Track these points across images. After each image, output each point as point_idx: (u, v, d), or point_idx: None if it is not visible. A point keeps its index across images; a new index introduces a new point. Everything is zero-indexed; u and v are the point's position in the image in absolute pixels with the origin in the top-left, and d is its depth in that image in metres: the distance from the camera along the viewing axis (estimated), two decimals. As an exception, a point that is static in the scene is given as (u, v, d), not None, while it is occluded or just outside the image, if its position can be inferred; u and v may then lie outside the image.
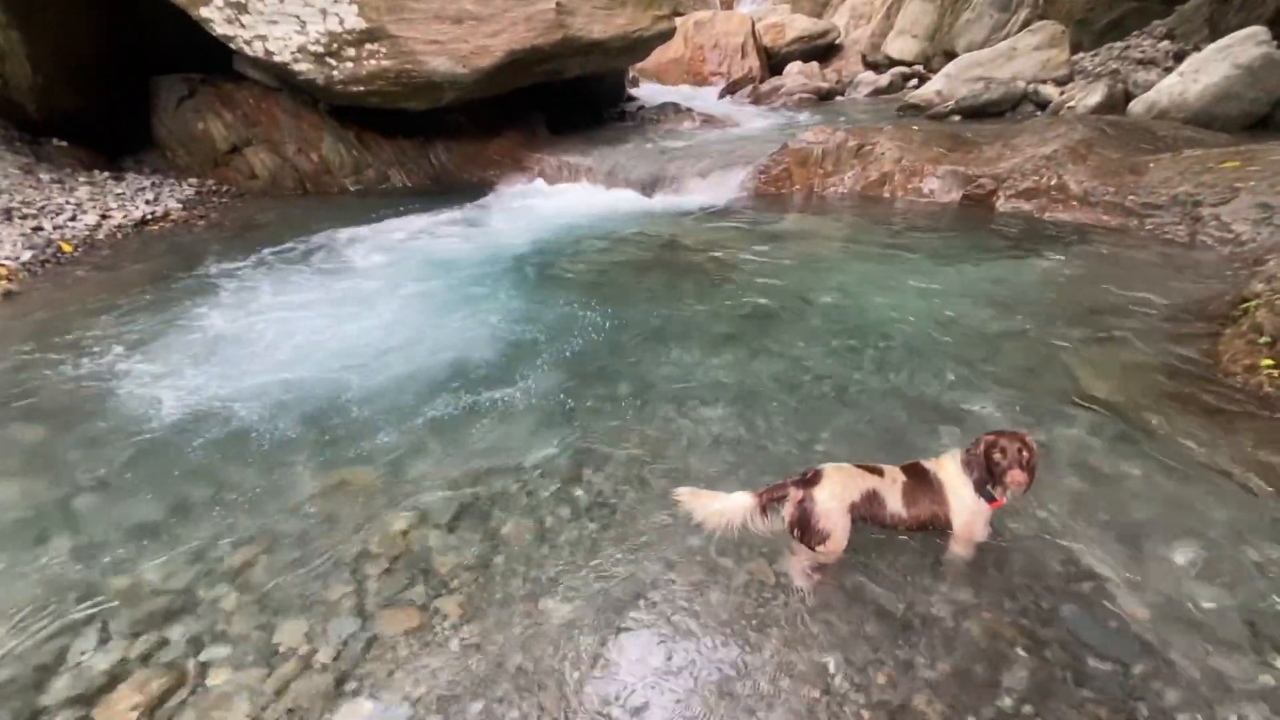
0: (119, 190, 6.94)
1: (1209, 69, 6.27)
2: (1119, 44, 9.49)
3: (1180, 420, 2.58)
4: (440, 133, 8.41)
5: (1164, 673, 1.64)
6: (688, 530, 2.20)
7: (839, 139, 6.31)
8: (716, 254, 4.99)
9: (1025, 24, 10.71)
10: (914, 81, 12.30)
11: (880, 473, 1.86)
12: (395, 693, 1.72)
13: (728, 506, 1.83)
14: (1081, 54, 9.54)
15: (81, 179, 6.92)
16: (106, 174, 7.23)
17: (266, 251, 5.60)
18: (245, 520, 2.45)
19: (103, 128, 7.71)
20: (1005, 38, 10.58)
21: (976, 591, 1.89)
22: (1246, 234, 4.19)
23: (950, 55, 12.15)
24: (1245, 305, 3.07)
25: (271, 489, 2.63)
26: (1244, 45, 6.20)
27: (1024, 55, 8.24)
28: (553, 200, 7.05)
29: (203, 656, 1.87)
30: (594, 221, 6.03)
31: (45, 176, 6.62)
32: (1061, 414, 2.72)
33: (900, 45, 13.81)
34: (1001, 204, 5.25)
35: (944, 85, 8.53)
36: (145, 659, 1.89)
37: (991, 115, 7.67)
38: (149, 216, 6.58)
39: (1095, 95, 6.82)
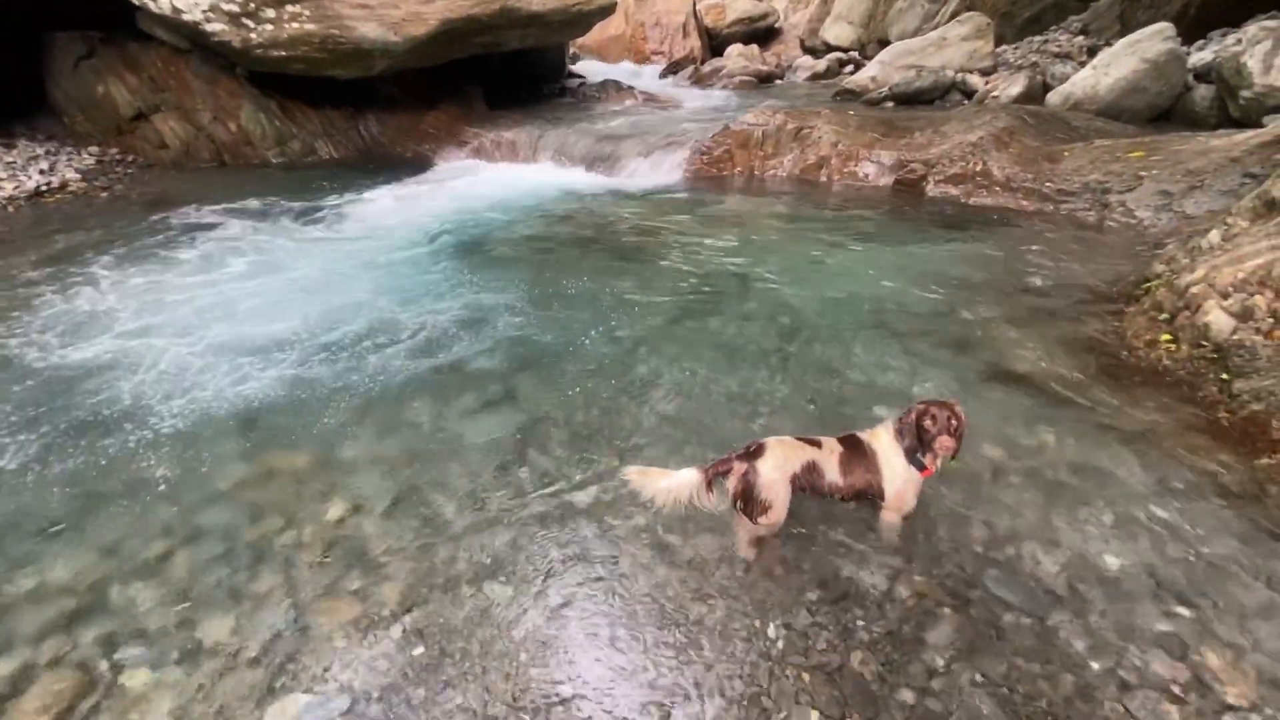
0: (9, 159, 6.32)
1: (1119, 63, 6.68)
2: (1039, 38, 9.97)
3: (1090, 391, 2.77)
4: (372, 104, 8.02)
5: (1076, 624, 1.77)
6: (633, 508, 2.21)
7: (779, 122, 6.39)
8: (657, 234, 4.98)
9: (954, 15, 11.09)
10: (850, 68, 12.58)
11: (819, 444, 1.92)
12: (332, 684, 1.66)
13: (675, 483, 1.84)
14: (1005, 46, 9.97)
15: (-40, 145, 6.24)
16: (-10, 140, 6.54)
17: (178, 227, 5.23)
18: (161, 511, 2.30)
19: (-15, 89, 6.96)
20: (935, 27, 10.94)
21: (906, 558, 1.98)
22: (1149, 219, 4.52)
23: (884, 43, 12.47)
24: (1147, 285, 3.31)
25: (189, 478, 2.48)
26: (1151, 41, 6.63)
27: (953, 45, 8.55)
28: (489, 176, 6.85)
29: (117, 657, 1.75)
30: (533, 200, 5.91)
31: (-85, 141, 5.93)
32: (984, 387, 2.87)
33: (837, 31, 14.08)
34: (931, 188, 5.45)
35: (878, 72, 8.75)
36: (53, 663, 1.75)
37: (923, 102, 7.94)
38: (44, 188, 6.02)
39: (1016, 86, 7.16)
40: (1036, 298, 3.69)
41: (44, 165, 6.29)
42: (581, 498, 2.30)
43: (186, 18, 6.12)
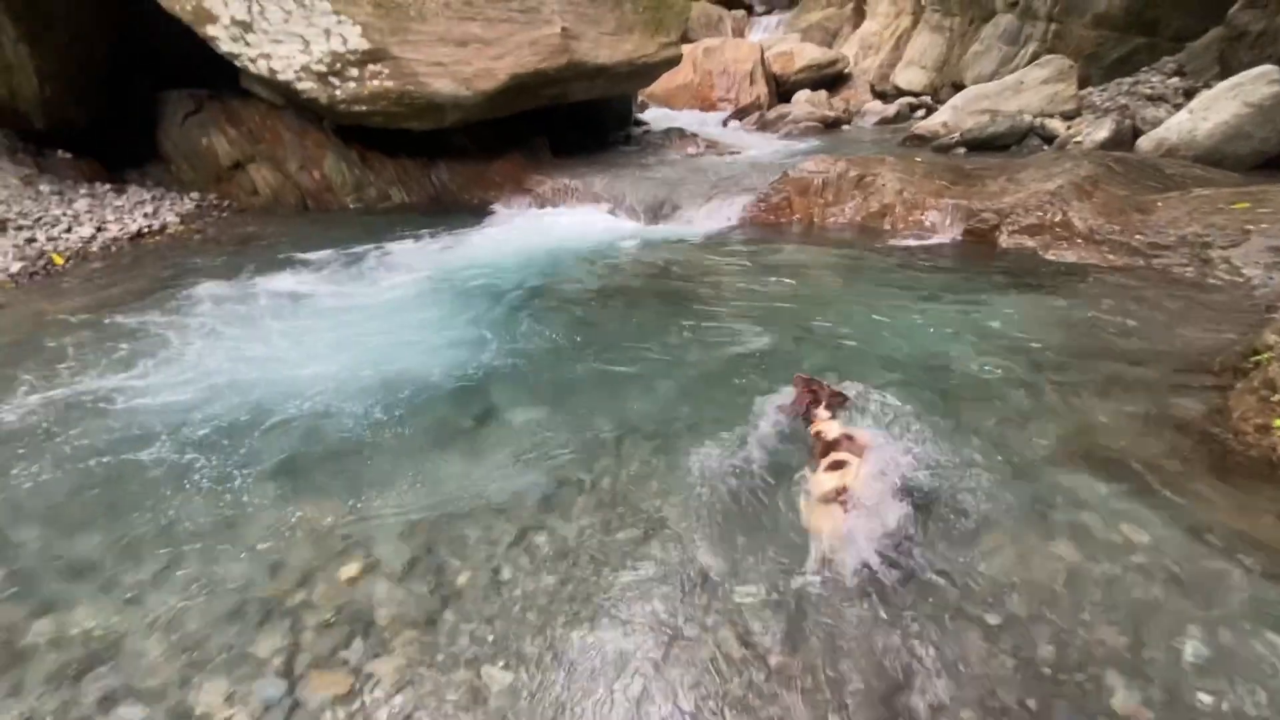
0: (118, 203, 6.95)
1: (1219, 107, 6.17)
2: (1128, 79, 9.42)
3: (1187, 483, 2.41)
4: (443, 153, 8.40)
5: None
6: (651, 592, 2.05)
7: (840, 169, 6.23)
8: (711, 283, 4.88)
9: (1034, 58, 10.68)
10: (921, 112, 12.28)
11: None
12: (313, 771, 1.58)
13: None
14: (1090, 89, 9.47)
15: (82, 191, 6.93)
16: (108, 186, 7.24)
17: (256, 268, 5.54)
18: (191, 559, 2.32)
19: (108, 140, 7.75)
20: (1013, 71, 10.55)
21: (959, 682, 1.72)
22: (1258, 278, 4.04)
23: (958, 87, 12.13)
24: (1257, 357, 2.91)
25: (226, 523, 2.51)
26: (1255, 84, 6.10)
27: (1031, 89, 8.17)
28: (550, 222, 6.98)
29: (112, 717, 1.73)
30: (590, 246, 5.95)
31: (45, 188, 6.63)
32: (1058, 469, 2.56)
33: (909, 76, 13.84)
34: (1004, 240, 5.12)
35: (950, 117, 8.47)
36: (56, 714, 1.76)
37: (997, 148, 7.58)
38: (145, 230, 6.56)
39: (1103, 130, 6.73)
40: (1124, 365, 3.32)
41: (148, 209, 6.89)
42: (599, 573, 2.17)
43: (281, 78, 6.63)
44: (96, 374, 3.65)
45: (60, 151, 7.41)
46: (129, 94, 7.77)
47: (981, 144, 7.60)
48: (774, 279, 4.82)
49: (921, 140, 8.57)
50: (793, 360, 3.57)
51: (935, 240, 5.43)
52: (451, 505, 2.54)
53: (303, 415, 3.20)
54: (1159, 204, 4.79)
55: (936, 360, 3.49)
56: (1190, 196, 4.78)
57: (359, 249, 6.00)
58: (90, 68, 7.20)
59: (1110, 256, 4.65)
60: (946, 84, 13.07)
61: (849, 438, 2.45)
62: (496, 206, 7.85)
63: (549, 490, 2.60)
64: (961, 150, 7.76)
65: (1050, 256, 4.85)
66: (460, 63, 6.93)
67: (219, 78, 7.44)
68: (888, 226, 5.79)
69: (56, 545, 2.41)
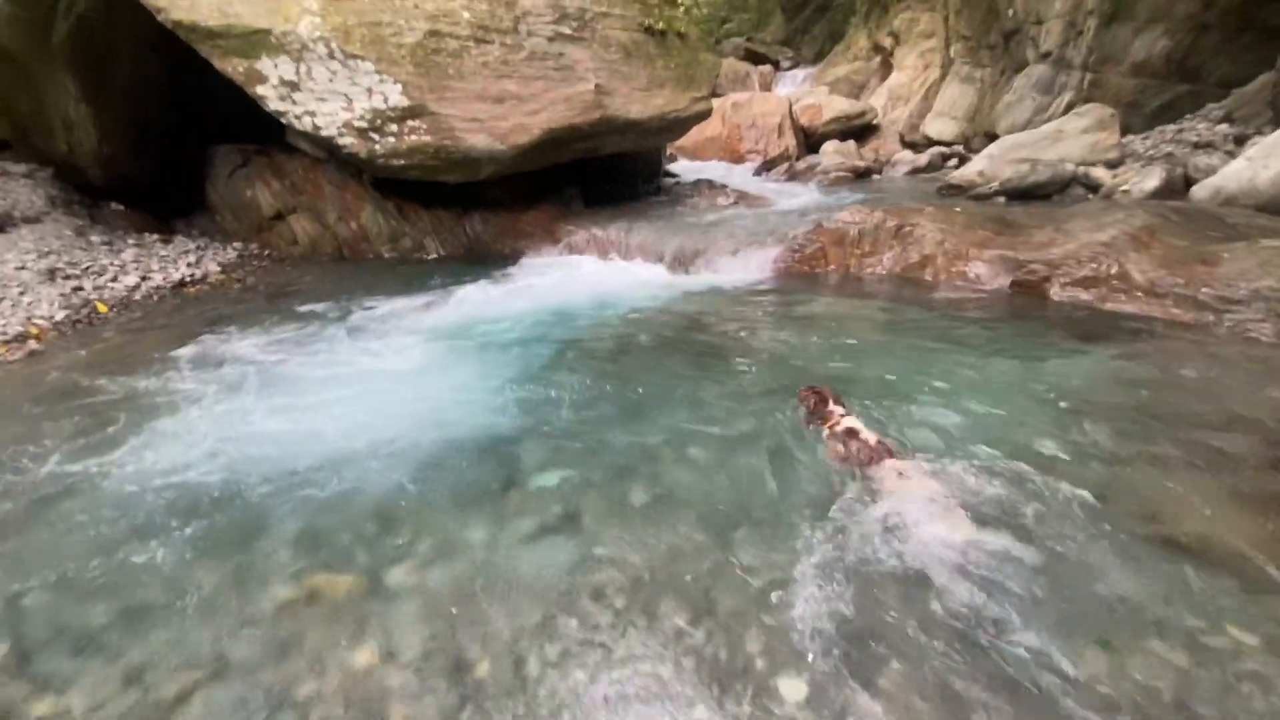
0: (164, 253, 7.15)
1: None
2: (1171, 126, 9.21)
3: (1303, 576, 2.11)
4: (477, 204, 8.54)
5: None
6: (689, 693, 1.82)
7: (877, 219, 6.10)
8: (745, 335, 4.72)
9: (1069, 107, 10.56)
10: (954, 161, 12.20)
11: None
12: None
13: None
14: (1131, 136, 9.27)
15: (130, 241, 7.17)
16: (155, 236, 7.49)
17: (288, 319, 5.58)
18: (199, 636, 2.17)
19: (160, 192, 8.08)
20: (1048, 120, 10.42)
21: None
22: (1346, 337, 3.72)
23: (991, 136, 12.04)
24: (1366, 429, 2.61)
25: (239, 595, 2.36)
26: (1315, 131, 5.85)
27: (1071, 137, 8.02)
28: (578, 272, 6.96)
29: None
30: (619, 296, 5.87)
31: (96, 238, 6.87)
32: (1142, 557, 2.28)
33: (939, 126, 13.84)
34: (1056, 292, 4.88)
35: (987, 166, 8.33)
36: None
37: (1038, 197, 7.39)
38: (188, 279, 6.72)
39: (1152, 179, 6.50)
40: (1207, 433, 3.03)
41: (192, 259, 7.07)
42: (632, 666, 1.95)
43: (324, 133, 6.85)
44: (115, 431, 3.60)
45: (113, 203, 7.73)
46: (183, 148, 8.12)
47: (1022, 193, 7.41)
48: (811, 334, 4.64)
49: (957, 189, 8.43)
50: (838, 422, 3.36)
51: (981, 292, 5.21)
52: (474, 582, 2.36)
53: (322, 479, 3.07)
54: (1225, 255, 4.52)
55: (992, 426, 3.24)
56: (1259, 247, 4.51)
57: (390, 299, 6.02)
58: (148, 126, 7.55)
59: (1175, 311, 4.37)
60: (978, 134, 13.01)
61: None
62: (527, 256, 7.90)
63: (578, 567, 2.41)
64: (1001, 199, 7.58)
65: (1108, 309, 4.58)
66: (496, 118, 7.08)
67: (268, 133, 7.74)
68: (929, 278, 5.59)
69: (62, 615, 2.29)
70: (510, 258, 7.92)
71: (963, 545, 2.30)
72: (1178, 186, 6.52)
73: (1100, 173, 7.27)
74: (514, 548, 2.55)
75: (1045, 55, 11.23)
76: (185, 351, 4.73)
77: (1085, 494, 2.64)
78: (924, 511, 2.48)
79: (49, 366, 4.56)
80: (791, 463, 3.03)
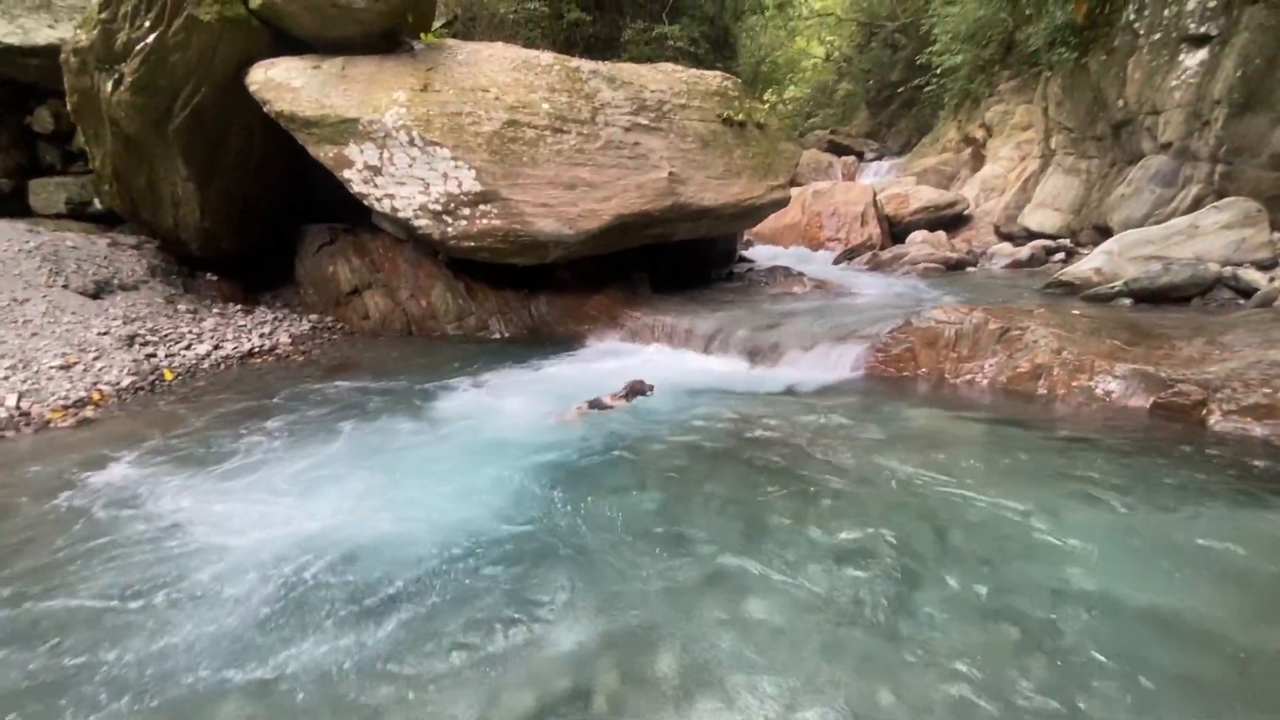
0: (242, 323, 7.37)
1: None
2: (1332, 225, 7.97)
3: None
4: (545, 286, 8.45)
5: None
6: None
7: (976, 320, 5.35)
8: (816, 450, 4.04)
9: (1197, 200, 9.50)
10: (1060, 255, 11.20)
11: None
12: None
13: None
14: (1279, 234, 8.10)
15: (215, 310, 7.46)
16: (239, 307, 7.78)
17: (344, 395, 5.42)
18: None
19: (254, 266, 8.52)
20: (1171, 214, 9.40)
21: None
22: None
23: (1102, 230, 11.03)
24: None
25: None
26: None
27: (1210, 234, 7.02)
28: (639, 360, 6.54)
29: None
30: (678, 390, 5.33)
31: (183, 306, 7.18)
32: None
33: (1040, 217, 12.90)
34: (1216, 421, 3.92)
35: (1105, 263, 7.41)
36: None
37: (1173, 301, 6.38)
38: (256, 349, 6.82)
39: (1326, 286, 5.44)
40: None
41: (266, 330, 7.24)
42: None
43: (401, 215, 7.00)
44: (151, 516, 3.36)
45: (208, 274, 8.16)
46: (280, 226, 8.59)
47: (1153, 295, 6.44)
48: (899, 455, 3.90)
49: (1069, 288, 7.51)
50: (924, 583, 2.61)
51: (1112, 415, 4.31)
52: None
53: (294, 597, 2.62)
54: None
55: (1141, 601, 2.40)
56: None
57: (445, 380, 5.79)
58: (248, 204, 8.04)
59: (1394, 459, 3.34)
60: (1086, 226, 11.98)
61: None
62: (590, 340, 7.61)
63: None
64: (1126, 301, 6.62)
65: (1294, 451, 3.60)
66: (566, 204, 7.01)
67: (361, 215, 8.05)
68: (1043, 392, 4.74)
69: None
70: (573, 341, 7.65)
71: None
72: (1360, 294, 5.41)
73: (1253, 274, 6.22)
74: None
75: (1165, 146, 10.30)
76: (234, 429, 4.58)
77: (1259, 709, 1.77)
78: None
79: (95, 438, 4.52)
80: (861, 626, 2.31)
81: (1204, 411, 3.98)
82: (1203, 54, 9.69)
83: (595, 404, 4.78)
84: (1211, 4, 9.55)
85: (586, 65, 7.89)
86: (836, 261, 12.48)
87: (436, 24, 11.13)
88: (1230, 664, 2.14)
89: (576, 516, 3.29)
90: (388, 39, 7.26)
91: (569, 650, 2.34)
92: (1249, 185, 9.24)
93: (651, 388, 4.56)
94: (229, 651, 2.36)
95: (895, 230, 14.24)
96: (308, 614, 2.56)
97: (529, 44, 9.93)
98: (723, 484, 3.64)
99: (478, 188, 6.67)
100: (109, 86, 6.61)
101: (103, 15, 6.45)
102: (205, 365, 6.24)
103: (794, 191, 12.02)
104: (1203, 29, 9.65)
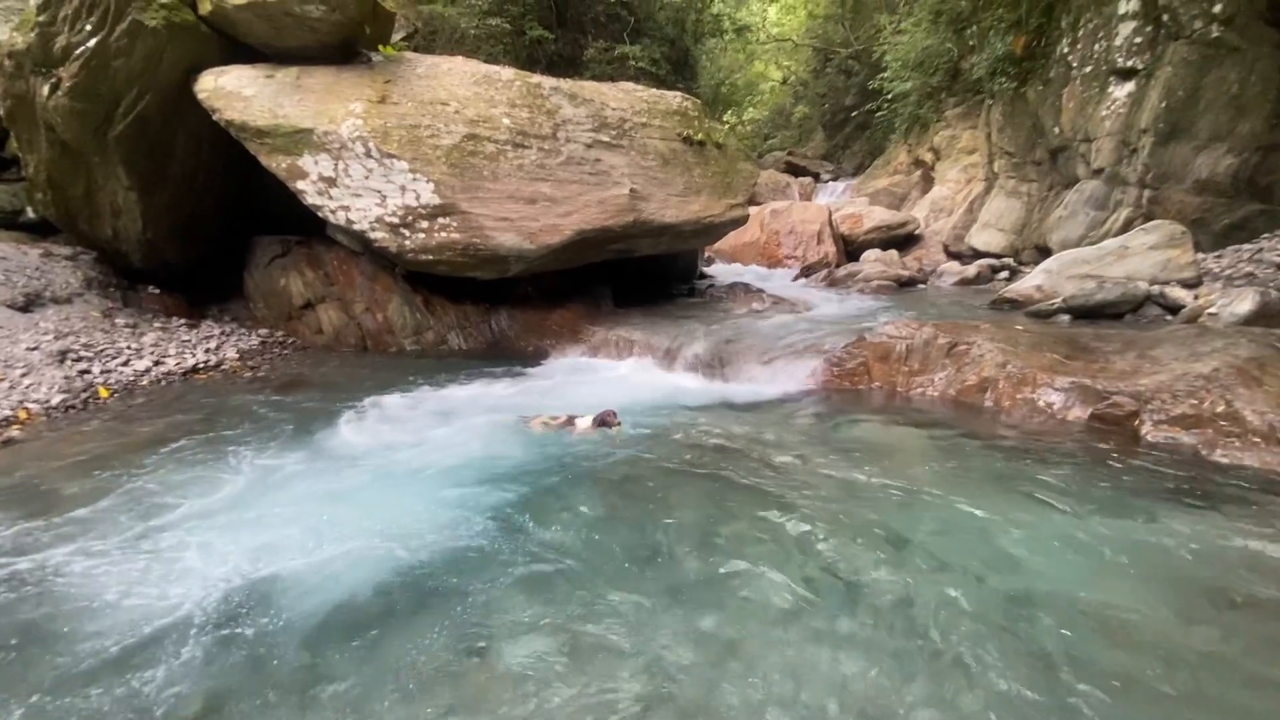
0: (186, 338, 7.07)
1: (1392, 282, 5.21)
2: (1248, 246, 8.57)
3: None
4: (505, 300, 8.38)
5: None
6: None
7: (926, 335, 5.53)
8: (776, 463, 4.09)
9: (1127, 223, 10.09)
10: (1004, 274, 11.70)
11: None
12: None
13: None
14: (1204, 255, 8.65)
15: (156, 325, 7.13)
16: (183, 321, 7.47)
17: (291, 414, 5.23)
18: None
19: (200, 279, 8.19)
20: (1104, 236, 9.95)
21: None
22: None
23: (1042, 250, 11.59)
24: None
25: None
26: None
27: (1139, 254, 7.45)
28: (599, 375, 6.54)
29: None
30: (640, 405, 5.34)
31: (121, 321, 6.84)
32: None
33: (986, 237, 13.48)
34: (1149, 432, 4.13)
35: (1045, 281, 7.78)
36: None
37: (1107, 316, 6.74)
38: (201, 365, 6.55)
39: (1245, 303, 5.80)
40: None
41: (212, 345, 6.96)
42: None
43: (356, 227, 6.86)
44: (75, 545, 3.16)
45: (150, 287, 7.82)
46: (230, 238, 8.29)
47: (1089, 312, 6.78)
48: (852, 465, 3.98)
49: (1013, 304, 7.85)
50: (886, 591, 2.65)
51: (1053, 426, 4.49)
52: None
53: (281, 618, 2.50)
54: (1360, 398, 3.76)
55: (1090, 609, 2.49)
56: (1403, 391, 3.73)
57: (401, 395, 5.66)
58: (195, 215, 7.75)
59: (1306, 464, 3.57)
60: (1028, 246, 12.57)
61: None
62: (552, 356, 7.56)
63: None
64: (1064, 318, 6.96)
65: (1219, 458, 3.80)
66: (527, 219, 6.99)
67: (316, 227, 7.84)
68: (989, 404, 4.92)
69: None
70: (533, 356, 7.59)
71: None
72: (1274, 311, 5.80)
73: (1179, 293, 6.62)
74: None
75: (1098, 171, 10.92)
76: (166, 453, 4.35)
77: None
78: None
79: (19, 459, 4.25)
80: (828, 643, 2.33)
81: (1137, 422, 4.19)
82: (1130, 86, 10.34)
83: (563, 422, 4.75)
84: (1138, 40, 10.22)
85: (548, 82, 7.93)
86: (795, 279, 12.75)
87: (396, 37, 11.05)
88: (1160, 662, 2.24)
89: (530, 535, 3.24)
90: (344, 50, 7.16)
91: (530, 663, 2.29)
92: (1174, 209, 9.86)
93: (620, 423, 4.54)
94: None
95: (850, 249, 14.65)
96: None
97: (491, 60, 9.92)
98: (677, 497, 3.64)
99: (436, 201, 6.60)
100: (45, 91, 6.32)
101: (41, 18, 6.18)
102: (144, 382, 5.96)
103: (752, 210, 12.27)
104: (1129, 63, 10.31)
